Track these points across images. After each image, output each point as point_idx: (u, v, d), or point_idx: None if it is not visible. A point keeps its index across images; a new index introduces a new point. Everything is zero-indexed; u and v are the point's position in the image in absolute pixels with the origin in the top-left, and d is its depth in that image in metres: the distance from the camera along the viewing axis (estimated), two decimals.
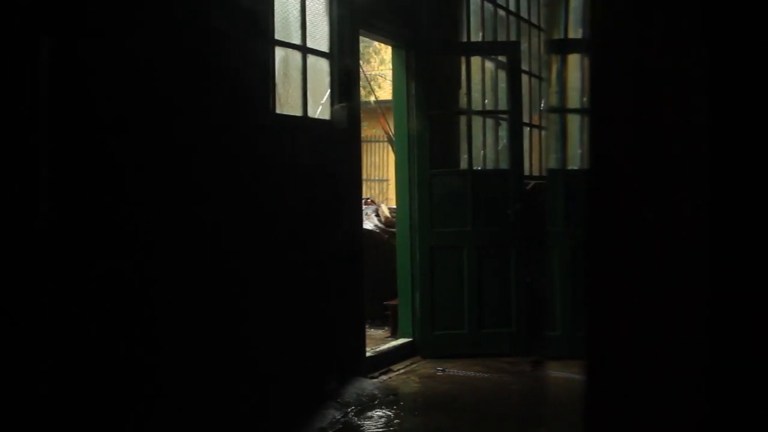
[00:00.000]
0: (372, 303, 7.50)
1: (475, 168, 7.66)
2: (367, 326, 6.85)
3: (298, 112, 5.72)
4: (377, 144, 17.99)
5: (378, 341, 7.59)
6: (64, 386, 3.69)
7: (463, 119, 7.83)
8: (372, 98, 12.00)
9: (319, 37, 6.02)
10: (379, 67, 17.05)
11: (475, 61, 7.95)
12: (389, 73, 10.89)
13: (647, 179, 1.65)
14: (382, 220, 9.17)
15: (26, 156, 3.54)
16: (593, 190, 1.74)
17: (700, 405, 1.56)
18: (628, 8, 1.68)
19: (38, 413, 3.56)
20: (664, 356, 1.62)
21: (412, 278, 7.46)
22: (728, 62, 1.52)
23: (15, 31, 3.49)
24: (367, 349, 6.68)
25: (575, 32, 9.43)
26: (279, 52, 5.51)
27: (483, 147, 8.12)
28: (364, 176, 7.41)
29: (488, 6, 8.65)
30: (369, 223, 8.74)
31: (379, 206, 9.67)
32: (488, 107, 8.26)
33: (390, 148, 11.59)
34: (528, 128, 9.15)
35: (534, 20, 9.79)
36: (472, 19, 8.34)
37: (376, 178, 18.80)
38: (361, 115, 6.56)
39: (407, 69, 7.50)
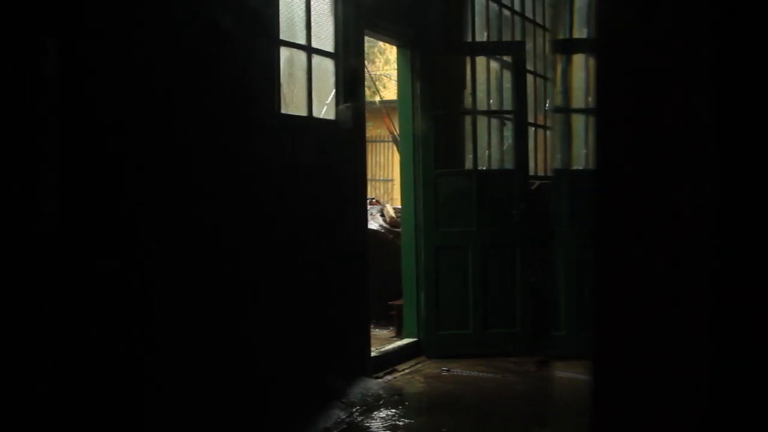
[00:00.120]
0: (377, 303, 7.51)
1: (480, 168, 7.66)
2: (371, 326, 6.85)
3: (303, 112, 5.72)
4: (382, 144, 18.00)
5: (383, 341, 7.59)
6: (64, 386, 3.69)
7: (468, 119, 7.83)
8: (377, 98, 12.00)
9: (324, 37, 6.02)
10: (384, 67, 17.06)
11: (480, 61, 7.95)
12: (394, 73, 10.89)
13: (653, 179, 1.64)
14: (387, 220, 9.17)
15: (32, 157, 3.55)
16: (599, 190, 1.74)
17: (703, 405, 1.56)
18: (632, 8, 1.68)
19: (38, 412, 3.57)
20: (670, 356, 1.62)
21: (417, 278, 7.46)
22: (734, 62, 1.52)
23: (17, 32, 3.49)
24: (372, 349, 6.68)
25: (580, 32, 9.44)
26: (284, 52, 5.51)
27: (488, 147, 8.11)
28: (368, 176, 7.41)
29: (493, 6, 8.65)
30: (374, 223, 8.74)
31: (384, 206, 9.67)
32: (493, 107, 8.26)
33: (395, 148, 11.60)
34: (533, 128, 9.14)
35: (539, 20, 9.78)
36: (477, 18, 8.34)
37: (381, 178, 18.81)
38: (366, 115, 6.56)
39: (412, 69, 7.50)
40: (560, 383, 6.70)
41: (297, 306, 5.44)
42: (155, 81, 4.30)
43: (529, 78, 8.73)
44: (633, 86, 1.68)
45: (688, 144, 1.58)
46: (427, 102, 7.47)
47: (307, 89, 5.76)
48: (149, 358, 4.22)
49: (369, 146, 9.04)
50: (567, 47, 7.89)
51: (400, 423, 5.46)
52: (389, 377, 6.62)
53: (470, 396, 6.24)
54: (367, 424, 5.41)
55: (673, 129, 1.61)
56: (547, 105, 9.77)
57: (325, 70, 6.06)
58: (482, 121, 7.98)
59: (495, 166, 8.23)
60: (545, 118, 9.76)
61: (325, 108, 6.14)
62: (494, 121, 8.23)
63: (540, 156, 9.51)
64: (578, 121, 7.87)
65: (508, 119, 8.16)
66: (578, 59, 7.83)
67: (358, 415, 5.54)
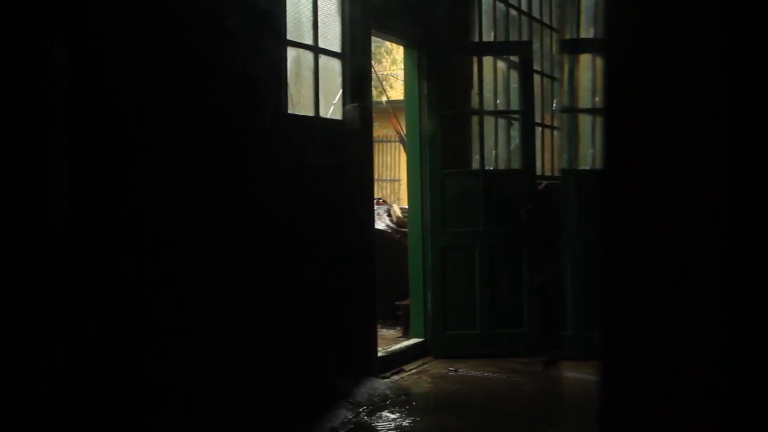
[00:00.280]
0: (384, 303, 7.50)
1: (487, 168, 7.65)
2: (378, 326, 6.85)
3: (310, 112, 5.73)
4: (389, 144, 17.99)
5: (390, 341, 7.59)
6: (73, 383, 3.70)
7: (475, 119, 7.83)
8: (384, 98, 12.00)
9: (331, 37, 6.02)
10: (391, 67, 17.05)
11: (487, 60, 7.94)
12: (401, 73, 10.88)
13: (661, 179, 1.64)
14: (394, 220, 9.17)
15: (41, 156, 3.56)
16: (607, 189, 1.74)
17: (713, 406, 1.55)
18: (640, 7, 1.67)
19: (48, 410, 3.58)
20: (678, 357, 1.61)
21: (424, 278, 7.46)
22: (742, 60, 1.51)
23: (25, 31, 3.50)
24: (379, 349, 6.68)
25: (587, 32, 9.43)
26: (291, 52, 5.52)
27: (495, 147, 8.10)
28: (375, 176, 7.41)
29: (500, 6, 8.64)
30: (381, 223, 8.74)
31: (390, 206, 9.67)
32: (500, 107, 8.25)
33: (402, 148, 11.59)
34: (540, 128, 9.13)
35: (546, 20, 9.77)
36: (483, 18, 8.32)
37: (388, 178, 18.81)
38: (373, 115, 6.56)
39: (419, 69, 7.50)
40: (568, 384, 6.69)
41: (304, 306, 5.44)
42: (168, 81, 4.31)
43: (536, 78, 8.72)
44: (641, 86, 1.67)
45: (697, 143, 1.58)
46: (434, 102, 7.46)
47: (314, 89, 5.76)
48: (161, 357, 4.23)
49: (376, 146, 9.04)
50: (574, 47, 7.88)
51: (407, 423, 5.45)
52: (396, 377, 6.62)
53: (477, 396, 6.24)
54: (374, 424, 5.41)
55: (681, 128, 1.61)
56: (554, 105, 9.75)
57: (332, 70, 6.06)
58: (489, 121, 7.97)
59: (502, 166, 8.22)
60: (552, 118, 9.75)
61: (332, 108, 6.14)
62: (501, 121, 8.22)
63: (547, 156, 9.50)
64: (585, 121, 7.86)
65: (515, 119, 8.15)
66: (585, 59, 7.83)
67: (364, 415, 5.54)
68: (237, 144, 4.83)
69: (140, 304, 4.11)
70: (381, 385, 6.16)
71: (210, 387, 4.54)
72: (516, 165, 7.99)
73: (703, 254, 1.57)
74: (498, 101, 8.17)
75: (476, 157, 7.72)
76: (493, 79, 8.03)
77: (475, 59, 7.79)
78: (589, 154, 7.94)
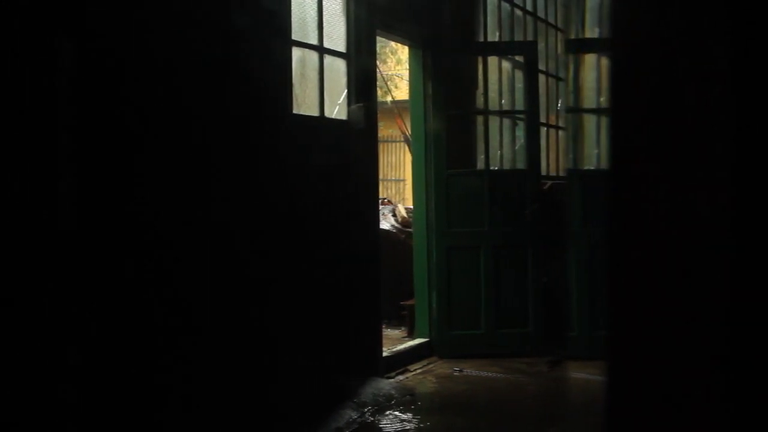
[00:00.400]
0: (388, 303, 7.50)
1: (492, 168, 7.65)
2: (383, 326, 6.84)
3: (315, 112, 5.73)
4: (394, 144, 18.00)
5: (395, 341, 7.59)
6: (83, 382, 3.71)
7: (480, 119, 7.82)
8: (388, 98, 12.00)
9: (336, 37, 6.03)
10: (396, 67, 17.04)
11: (492, 61, 7.94)
12: (406, 73, 10.88)
13: (667, 179, 1.64)
14: (399, 220, 9.17)
15: (49, 158, 3.56)
16: (613, 189, 1.73)
17: (720, 406, 1.55)
18: (647, 6, 1.67)
19: (59, 409, 3.59)
20: (685, 357, 1.61)
21: (429, 278, 7.46)
22: (750, 60, 1.51)
23: (32, 32, 3.51)
24: (384, 349, 6.68)
25: (592, 32, 9.43)
26: (296, 52, 5.52)
27: (500, 147, 8.10)
28: (380, 176, 7.40)
29: (505, 5, 8.64)
30: (386, 223, 8.74)
31: (395, 206, 9.66)
32: (505, 107, 8.25)
33: (407, 148, 11.60)
34: (545, 128, 9.13)
35: (551, 20, 9.77)
36: (489, 18, 8.32)
37: (393, 178, 18.81)
38: (378, 115, 6.56)
39: (424, 69, 7.50)
40: (573, 384, 6.69)
41: (309, 306, 5.44)
42: (174, 81, 4.31)
43: (541, 78, 8.71)
44: (647, 85, 1.67)
45: (703, 143, 1.57)
46: (439, 102, 7.46)
47: (319, 89, 5.76)
48: (164, 358, 4.23)
49: (381, 146, 9.05)
50: (580, 47, 7.87)
51: (412, 423, 5.45)
52: (401, 377, 6.62)
53: (482, 396, 6.24)
54: (379, 425, 5.41)
55: (687, 128, 1.60)
56: (559, 105, 9.75)
57: (337, 70, 6.06)
58: (494, 121, 7.97)
59: (507, 166, 8.21)
60: (557, 118, 9.75)
61: (337, 108, 6.14)
62: (506, 121, 8.22)
63: (552, 156, 9.50)
64: (590, 121, 7.86)
65: (520, 119, 8.15)
66: (590, 59, 7.82)
67: (369, 415, 5.54)
68: (243, 144, 4.84)
69: (147, 304, 4.11)
70: (386, 385, 6.16)
71: (215, 386, 4.55)
72: (521, 165, 7.99)
73: (709, 254, 1.56)
74: (503, 101, 8.17)
75: (481, 157, 7.72)
76: (498, 79, 8.03)
77: (480, 59, 7.79)
78: (594, 154, 7.94)
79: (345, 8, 6.10)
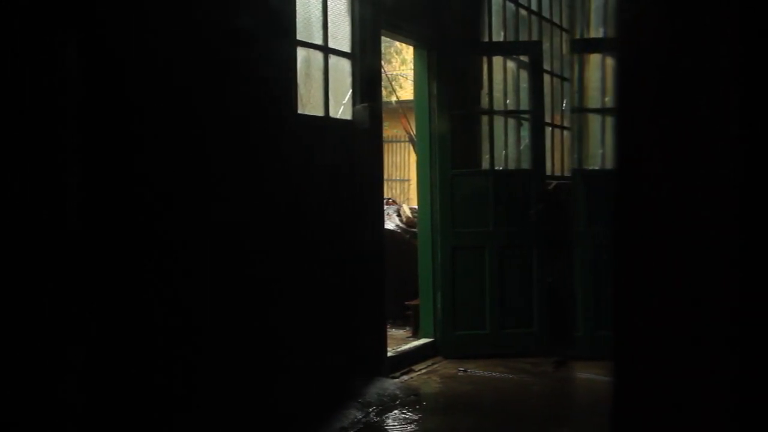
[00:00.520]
0: (393, 303, 7.50)
1: (496, 168, 7.64)
2: (388, 326, 6.85)
3: (320, 113, 5.73)
4: (398, 144, 17.99)
5: (399, 341, 7.59)
6: (88, 382, 3.71)
7: (484, 119, 7.82)
8: (393, 98, 12.00)
9: (341, 37, 6.03)
10: (401, 67, 17.05)
11: (497, 60, 7.93)
12: (410, 73, 10.88)
13: (673, 178, 1.63)
14: (404, 220, 9.17)
15: (56, 157, 3.57)
16: (619, 189, 1.73)
17: (727, 406, 1.55)
18: (652, 5, 1.67)
19: (64, 409, 3.59)
20: (692, 357, 1.61)
21: (434, 278, 7.45)
22: (758, 59, 1.50)
23: (37, 31, 3.51)
24: (389, 349, 6.68)
25: (596, 32, 9.41)
26: (301, 53, 5.52)
27: (505, 147, 8.09)
28: (385, 176, 7.41)
29: (510, 6, 8.62)
30: (390, 223, 8.74)
31: (400, 206, 9.66)
32: (510, 107, 8.24)
33: (411, 148, 11.58)
34: (550, 128, 9.12)
35: (556, 20, 9.75)
36: (493, 18, 8.31)
37: (398, 178, 18.81)
38: (383, 115, 6.56)
39: (429, 69, 7.50)
40: (578, 384, 6.68)
41: (314, 306, 5.44)
42: (175, 80, 4.31)
43: (546, 78, 8.70)
44: (653, 85, 1.67)
45: (709, 142, 1.57)
46: (444, 102, 7.46)
47: (324, 89, 5.76)
48: (170, 357, 4.24)
49: (385, 146, 9.03)
50: (585, 47, 7.86)
51: (417, 423, 5.45)
52: (406, 377, 6.62)
53: (487, 396, 6.23)
54: (384, 425, 5.41)
55: (693, 127, 1.60)
56: (564, 105, 9.74)
57: (341, 70, 6.06)
58: (499, 121, 7.95)
59: (512, 166, 8.20)
60: (562, 117, 9.73)
61: (341, 108, 6.14)
62: (511, 121, 8.21)
63: (557, 156, 9.49)
64: (595, 121, 7.85)
65: (524, 119, 8.13)
66: (595, 59, 7.81)
67: (374, 416, 5.54)
68: (247, 144, 4.84)
69: (150, 304, 4.12)
70: (390, 385, 6.16)
71: (220, 386, 4.55)
72: (526, 165, 7.98)
73: (716, 254, 1.56)
74: (508, 101, 8.16)
75: (486, 157, 7.72)
76: (503, 79, 8.01)
77: (485, 59, 7.78)
78: (599, 154, 7.92)
79: (350, 8, 6.10)
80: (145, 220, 4.10)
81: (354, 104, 6.11)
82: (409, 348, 7.23)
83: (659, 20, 1.66)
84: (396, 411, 5.67)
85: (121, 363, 3.91)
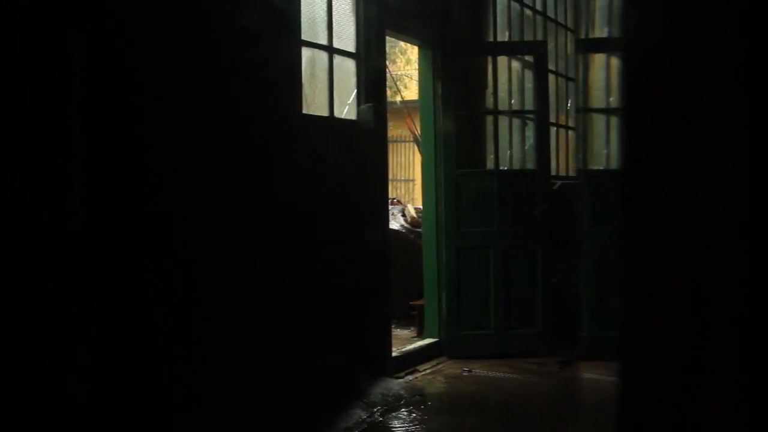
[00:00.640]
0: (398, 303, 7.50)
1: (501, 168, 7.64)
2: (393, 326, 6.84)
3: (325, 113, 5.73)
4: (403, 144, 17.99)
5: (404, 341, 7.59)
6: (93, 382, 3.72)
7: (489, 119, 7.81)
8: (398, 98, 12.00)
9: (346, 37, 6.03)
10: (405, 67, 17.04)
11: (502, 60, 7.93)
12: (415, 73, 10.87)
13: (680, 178, 1.63)
14: (409, 220, 9.17)
15: (61, 155, 3.58)
16: (625, 189, 1.73)
17: (735, 407, 1.54)
18: (659, 4, 1.66)
19: (69, 409, 3.60)
20: (700, 357, 1.60)
21: (438, 278, 7.45)
22: (765, 60, 1.50)
23: (45, 30, 3.52)
24: (393, 349, 6.68)
25: (601, 31, 9.41)
26: (306, 53, 5.52)
27: (509, 147, 8.09)
28: (390, 176, 7.41)
29: (515, 5, 8.62)
30: (395, 223, 8.74)
31: (405, 206, 9.66)
32: (515, 107, 8.24)
33: (416, 148, 11.59)
34: (555, 128, 9.11)
35: (561, 20, 9.75)
36: (498, 18, 8.31)
37: (403, 178, 18.81)
38: (388, 115, 6.56)
39: (434, 69, 7.49)
40: (582, 384, 6.67)
41: (319, 306, 5.44)
42: (182, 79, 4.32)
43: (551, 78, 8.70)
44: (659, 85, 1.66)
45: (716, 143, 1.57)
46: (449, 102, 7.46)
47: (329, 89, 5.76)
48: (176, 357, 4.24)
49: (390, 146, 9.05)
50: (590, 47, 7.86)
51: (421, 423, 5.45)
52: (410, 377, 6.62)
53: (492, 397, 6.23)
54: (389, 425, 5.41)
55: (700, 127, 1.60)
56: (568, 105, 9.73)
57: (346, 70, 6.07)
58: (504, 121, 7.96)
59: (516, 166, 8.20)
60: (567, 117, 9.73)
61: (346, 108, 6.14)
62: (516, 121, 8.21)
63: (562, 156, 9.48)
64: (600, 121, 7.85)
65: (529, 119, 8.13)
66: (600, 59, 7.81)
67: (379, 416, 5.54)
68: (252, 144, 4.84)
69: (156, 303, 4.12)
70: (395, 385, 6.16)
71: (225, 386, 4.55)
72: (531, 165, 7.97)
73: (722, 254, 1.56)
74: (513, 101, 8.16)
75: (491, 157, 7.72)
76: (508, 78, 8.02)
77: (489, 59, 7.78)
78: (604, 154, 7.92)
79: (355, 8, 6.10)
80: (150, 219, 4.10)
81: (359, 104, 6.11)
82: (414, 348, 7.23)
83: (665, 21, 1.66)
84: (400, 411, 5.67)
85: (124, 362, 3.91)
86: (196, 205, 4.40)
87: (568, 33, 9.91)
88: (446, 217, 7.41)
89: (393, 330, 6.88)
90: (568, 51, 9.80)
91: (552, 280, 7.48)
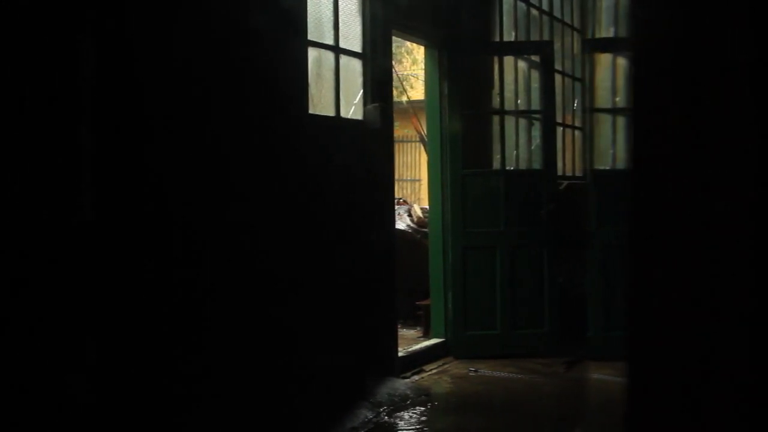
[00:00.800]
0: (404, 303, 7.50)
1: (508, 168, 7.63)
2: (399, 326, 6.84)
3: (331, 113, 5.73)
4: (409, 144, 17.99)
5: (410, 341, 7.59)
6: (101, 380, 3.73)
7: (496, 119, 7.81)
8: (404, 98, 12.00)
9: (352, 37, 6.03)
10: (412, 67, 17.05)
11: (508, 60, 7.92)
12: (421, 73, 10.88)
13: (689, 178, 1.63)
14: (415, 220, 9.17)
15: (71, 156, 3.58)
16: (634, 189, 1.73)
17: (744, 407, 1.54)
18: (670, 7, 1.66)
19: (77, 407, 3.60)
20: (707, 358, 1.60)
21: (445, 278, 7.45)
22: None
23: (55, 30, 3.53)
24: (399, 349, 6.68)
25: (607, 31, 9.40)
26: (312, 53, 5.52)
27: (516, 147, 8.09)
28: (396, 176, 7.41)
29: (521, 5, 8.62)
30: (401, 223, 8.74)
31: (411, 206, 9.66)
32: (521, 107, 8.23)
33: (422, 148, 11.58)
34: (561, 128, 9.10)
35: (567, 20, 9.74)
36: (504, 18, 8.31)
37: (409, 178, 18.81)
38: (394, 115, 6.56)
39: (440, 69, 7.49)
40: (589, 384, 6.66)
41: (325, 306, 5.45)
42: (190, 80, 4.32)
43: (557, 77, 8.69)
44: (668, 85, 1.66)
45: (725, 143, 1.57)
46: (455, 102, 7.45)
47: (335, 89, 5.76)
48: (184, 356, 4.24)
49: (396, 146, 9.03)
50: (597, 47, 7.85)
51: (428, 423, 5.45)
52: (416, 377, 6.62)
53: (498, 397, 6.22)
54: (395, 425, 5.40)
55: (708, 128, 1.60)
56: (575, 105, 9.72)
57: (352, 70, 6.07)
58: (510, 121, 7.94)
59: (523, 166, 8.20)
60: (573, 117, 9.72)
61: (352, 108, 6.14)
62: (522, 121, 8.20)
63: (568, 156, 9.47)
64: (606, 121, 7.84)
65: (536, 119, 8.13)
66: (606, 58, 7.80)
67: (385, 415, 5.54)
68: (258, 144, 4.85)
69: (169, 302, 4.13)
70: (401, 385, 6.16)
71: (233, 385, 4.55)
72: (537, 165, 7.97)
73: (731, 253, 1.56)
74: (519, 101, 8.15)
75: (497, 157, 7.71)
76: (514, 78, 8.01)
77: (496, 59, 7.78)
78: (610, 154, 7.91)
79: (361, 8, 6.10)
80: (158, 217, 4.11)
81: (365, 104, 6.11)
82: (420, 348, 7.22)
83: (673, 21, 1.66)
84: (407, 411, 5.67)
85: (131, 359, 3.92)
86: (203, 204, 4.40)
87: (575, 33, 9.90)
88: (452, 217, 7.40)
89: (399, 330, 6.88)
90: (575, 51, 9.79)
91: (558, 280, 7.47)
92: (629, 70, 1.79)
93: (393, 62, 6.90)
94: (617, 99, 7.85)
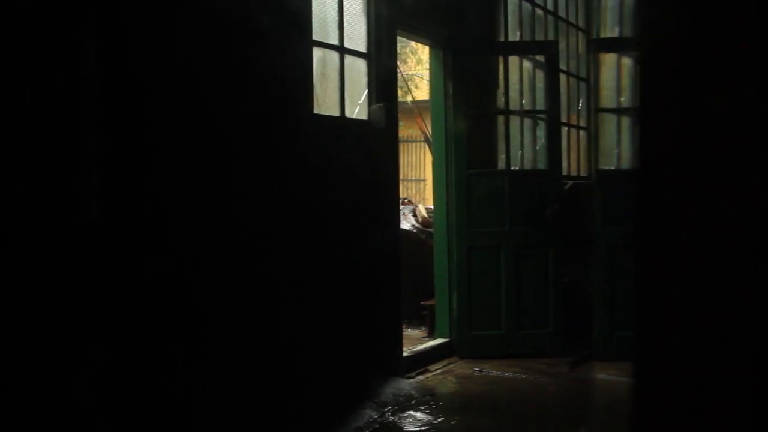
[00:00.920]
0: (409, 303, 7.50)
1: (512, 168, 7.63)
2: (403, 326, 6.84)
3: (336, 113, 5.73)
4: (414, 144, 17.99)
5: (415, 341, 7.59)
6: (107, 382, 3.73)
7: (500, 119, 7.80)
8: (409, 98, 11.99)
9: (357, 37, 6.03)
10: (416, 67, 17.03)
11: (513, 60, 7.92)
12: (426, 73, 10.87)
13: (695, 179, 1.63)
14: (419, 220, 9.17)
15: (72, 156, 3.59)
16: (640, 189, 1.72)
17: (750, 408, 1.54)
18: (677, 7, 1.66)
19: (82, 408, 3.61)
20: (713, 358, 1.60)
21: (449, 278, 7.45)
22: None
23: (57, 32, 3.53)
24: (404, 349, 6.68)
25: (611, 31, 9.39)
26: (317, 53, 5.52)
27: (521, 147, 8.08)
28: (401, 176, 7.41)
29: (526, 5, 8.61)
30: (406, 223, 8.74)
31: (416, 206, 9.66)
32: (526, 107, 8.22)
33: (427, 148, 11.58)
34: (566, 128, 9.10)
35: (572, 19, 9.73)
36: (509, 18, 8.30)
37: (413, 178, 18.80)
38: (398, 115, 6.56)
39: (445, 69, 7.49)
40: (594, 385, 6.66)
41: (330, 306, 5.45)
42: (194, 79, 4.32)
43: (562, 77, 8.68)
44: (675, 86, 1.66)
45: (731, 144, 1.56)
46: (460, 102, 7.45)
47: (340, 89, 5.77)
48: (188, 358, 4.25)
49: (401, 146, 9.03)
50: (602, 47, 7.84)
51: (432, 423, 5.45)
52: (421, 377, 6.62)
53: (503, 397, 6.22)
54: (400, 425, 5.41)
55: (715, 129, 1.59)
56: (580, 105, 9.71)
57: (357, 70, 6.07)
58: (515, 121, 7.94)
59: (528, 166, 8.19)
60: (578, 117, 9.71)
61: (357, 108, 6.14)
62: (527, 121, 8.20)
63: (573, 156, 9.46)
64: (611, 121, 7.84)
65: (540, 119, 8.12)
66: (611, 58, 7.79)
67: (390, 415, 5.54)
68: (263, 144, 4.85)
69: (171, 304, 4.13)
70: (406, 385, 6.16)
71: (236, 385, 4.56)
72: (542, 165, 7.96)
73: (737, 255, 1.55)
74: (524, 101, 8.15)
75: (502, 157, 7.71)
76: (519, 78, 8.00)
77: (500, 59, 7.77)
78: (615, 154, 7.91)
79: (366, 8, 6.10)
80: (162, 217, 4.11)
81: (370, 104, 6.11)
82: (425, 348, 7.23)
83: (679, 20, 1.65)
84: (412, 411, 5.67)
85: (135, 359, 3.92)
86: (206, 203, 4.40)
87: (580, 33, 9.89)
88: (457, 217, 7.40)
89: (404, 330, 6.88)
90: (580, 51, 9.78)
91: (563, 280, 7.47)
92: (635, 69, 1.78)
93: (398, 62, 6.90)
94: (622, 99, 7.85)
